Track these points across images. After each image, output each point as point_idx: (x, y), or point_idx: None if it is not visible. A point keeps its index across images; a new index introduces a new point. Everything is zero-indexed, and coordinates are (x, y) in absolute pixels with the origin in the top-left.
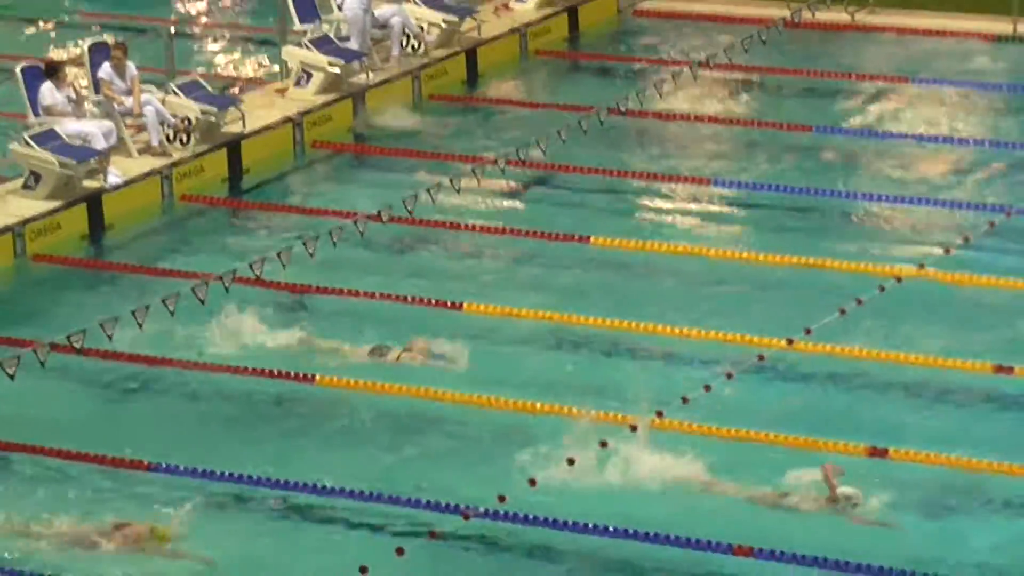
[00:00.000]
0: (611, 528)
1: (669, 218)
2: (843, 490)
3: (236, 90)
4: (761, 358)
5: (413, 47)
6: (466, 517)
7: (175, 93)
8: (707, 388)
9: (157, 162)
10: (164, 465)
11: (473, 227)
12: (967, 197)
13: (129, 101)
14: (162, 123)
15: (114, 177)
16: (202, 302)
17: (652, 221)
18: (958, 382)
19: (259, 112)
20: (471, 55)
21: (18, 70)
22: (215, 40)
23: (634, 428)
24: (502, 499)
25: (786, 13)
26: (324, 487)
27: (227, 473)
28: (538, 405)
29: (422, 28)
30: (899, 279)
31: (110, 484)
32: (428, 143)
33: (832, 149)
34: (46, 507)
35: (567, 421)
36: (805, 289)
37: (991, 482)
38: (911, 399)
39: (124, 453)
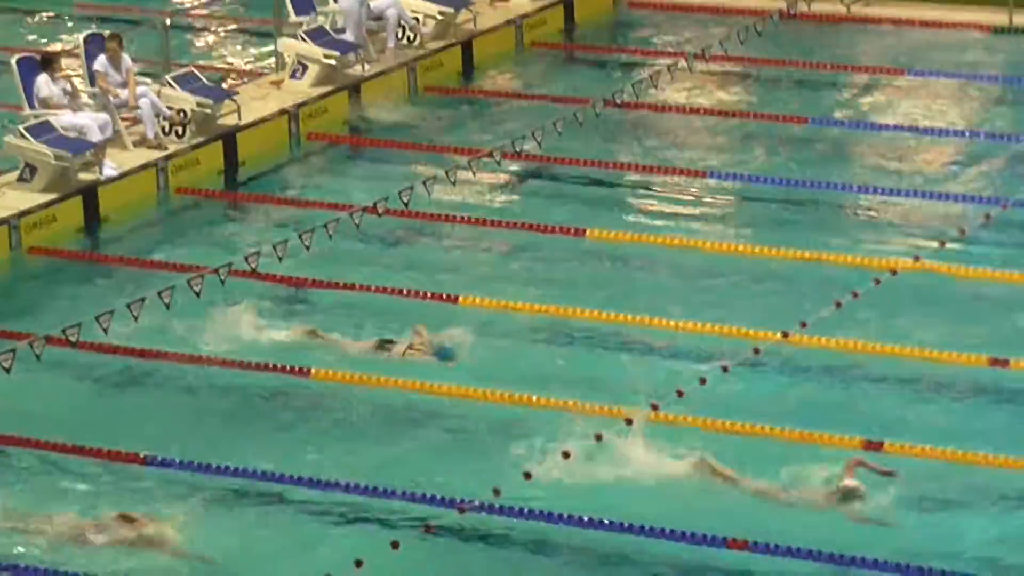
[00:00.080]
0: (606, 521)
1: (665, 211)
2: (848, 483)
3: (232, 82)
4: (757, 351)
5: (409, 39)
6: (461, 510)
7: (171, 85)
8: (702, 381)
9: (152, 154)
10: (160, 459)
11: (468, 220)
12: (963, 189)
13: (124, 93)
14: (157, 115)
15: (109, 169)
16: (197, 295)
17: (648, 214)
18: (953, 375)
19: (255, 104)
20: (467, 47)
21: (14, 62)
22: (211, 32)
23: (629, 421)
24: (497, 492)
25: (782, 4)
26: (320, 481)
27: (223, 467)
28: (533, 398)
29: (417, 20)
30: (895, 272)
31: (106, 478)
32: (424, 135)
33: (828, 141)
34: (42, 501)
35: (562, 414)
36: (801, 282)
37: (987, 475)
38: (906, 392)
39: (120, 447)
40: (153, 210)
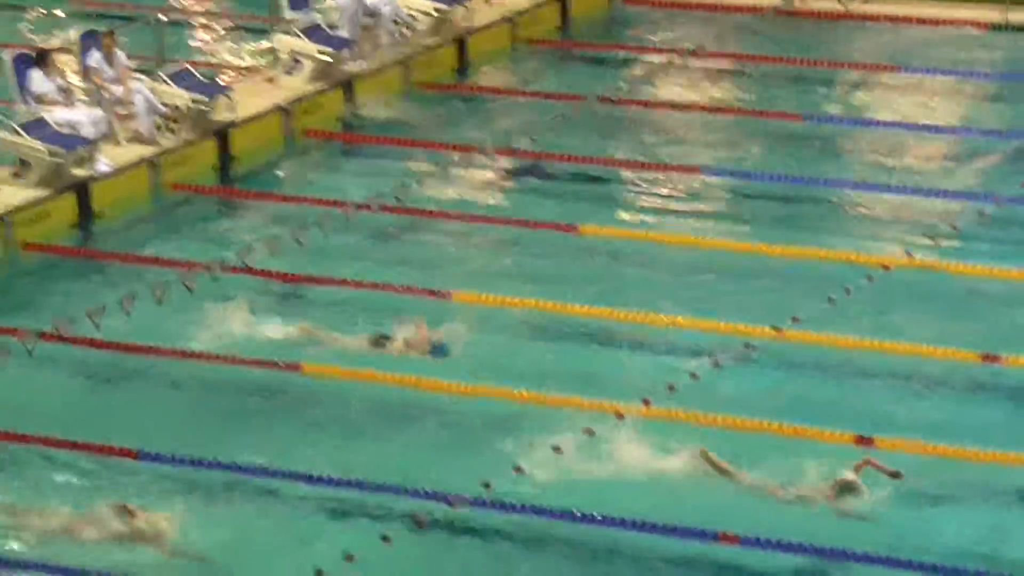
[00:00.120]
0: (597, 516)
1: (658, 207)
2: (848, 476)
3: (226, 78)
4: (749, 347)
5: (403, 35)
6: (452, 505)
7: (165, 81)
8: (694, 377)
9: (146, 150)
10: (152, 454)
11: (462, 216)
12: (956, 186)
13: (119, 89)
14: (152, 111)
15: (103, 165)
16: (190, 291)
17: (641, 210)
18: (945, 371)
19: (249, 100)
20: (461, 44)
21: (8, 58)
22: (205, 28)
23: (621, 416)
24: (488, 487)
25: (778, 1)
26: (311, 475)
27: (214, 461)
28: (524, 393)
29: (412, 16)
30: (887, 268)
31: (98, 473)
32: (418, 132)
33: (822, 138)
34: (34, 495)
35: (553, 409)
36: (793, 277)
37: (978, 470)
38: (898, 387)
39: (112, 442)
40: (147, 206)
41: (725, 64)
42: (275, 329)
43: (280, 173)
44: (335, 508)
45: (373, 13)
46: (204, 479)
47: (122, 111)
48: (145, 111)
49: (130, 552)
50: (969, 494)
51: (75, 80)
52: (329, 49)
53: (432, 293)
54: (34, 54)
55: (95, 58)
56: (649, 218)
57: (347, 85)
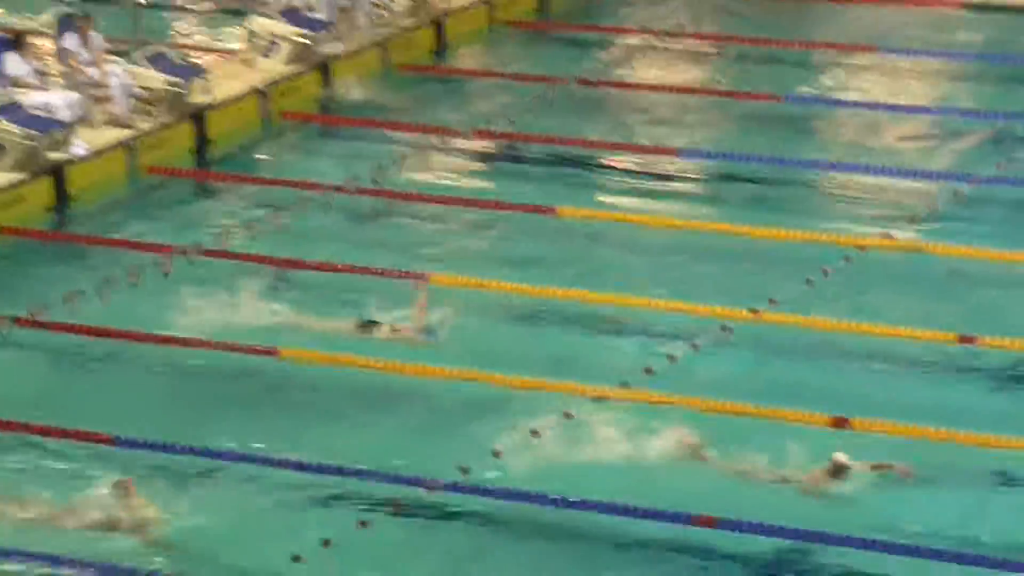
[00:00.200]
0: (573, 500)
1: (635, 188)
2: (839, 457)
3: (202, 61)
4: (726, 329)
5: (381, 17)
6: (429, 489)
7: (141, 64)
8: (672, 359)
9: (122, 133)
10: (129, 439)
11: (440, 198)
12: (934, 166)
13: (95, 72)
14: (127, 94)
15: (79, 149)
16: (167, 275)
17: (618, 191)
18: (922, 352)
19: (226, 83)
20: (439, 25)
21: None
22: (182, 10)
23: (599, 399)
24: (465, 472)
25: None
26: (288, 461)
27: (191, 447)
28: (502, 377)
29: None
30: (864, 249)
31: (75, 459)
32: (395, 114)
33: (800, 119)
34: (11, 483)
35: (532, 392)
36: (770, 259)
37: (955, 451)
38: (875, 369)
39: (88, 427)
40: (123, 189)
41: (703, 45)
42: (252, 313)
43: (257, 156)
44: (312, 494)
45: None
46: (181, 465)
47: (98, 94)
48: (121, 94)
49: (107, 539)
50: (946, 475)
51: (51, 63)
52: (306, 31)
53: (409, 276)
54: (10, 37)
55: (71, 41)
56: (627, 200)
57: (324, 67)
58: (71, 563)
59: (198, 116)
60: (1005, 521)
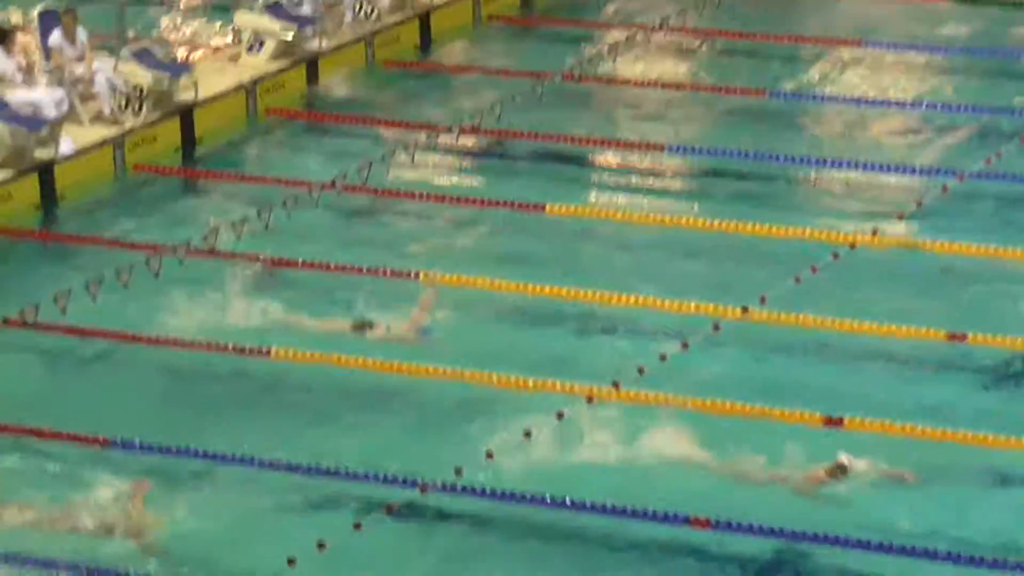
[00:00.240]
0: (567, 500)
1: (623, 185)
2: (842, 459)
3: (188, 57)
4: (717, 327)
5: (366, 13)
6: (423, 490)
7: (127, 61)
8: (663, 358)
9: (109, 131)
10: (121, 441)
11: (426, 195)
12: (922, 162)
13: (80, 69)
14: (113, 91)
15: (66, 146)
16: (156, 274)
17: (607, 188)
18: (912, 349)
19: (212, 79)
20: (424, 20)
21: None
22: (167, 6)
23: (591, 399)
24: (459, 472)
25: None
26: (282, 463)
27: (184, 449)
28: (493, 377)
29: None
30: (853, 245)
31: (66, 461)
32: (381, 110)
33: (788, 114)
34: (2, 485)
35: (523, 392)
36: (760, 256)
37: (946, 450)
38: (866, 367)
39: (78, 429)
40: (110, 187)
41: (689, 40)
42: (240, 312)
43: (243, 152)
44: (306, 496)
45: None
46: (173, 467)
47: (84, 91)
48: (107, 91)
49: (100, 543)
50: (939, 475)
51: (36, 60)
52: (292, 27)
53: (398, 274)
54: None
55: (56, 37)
56: (615, 197)
57: (310, 63)
58: (65, 567)
59: (184, 113)
60: (998, 520)
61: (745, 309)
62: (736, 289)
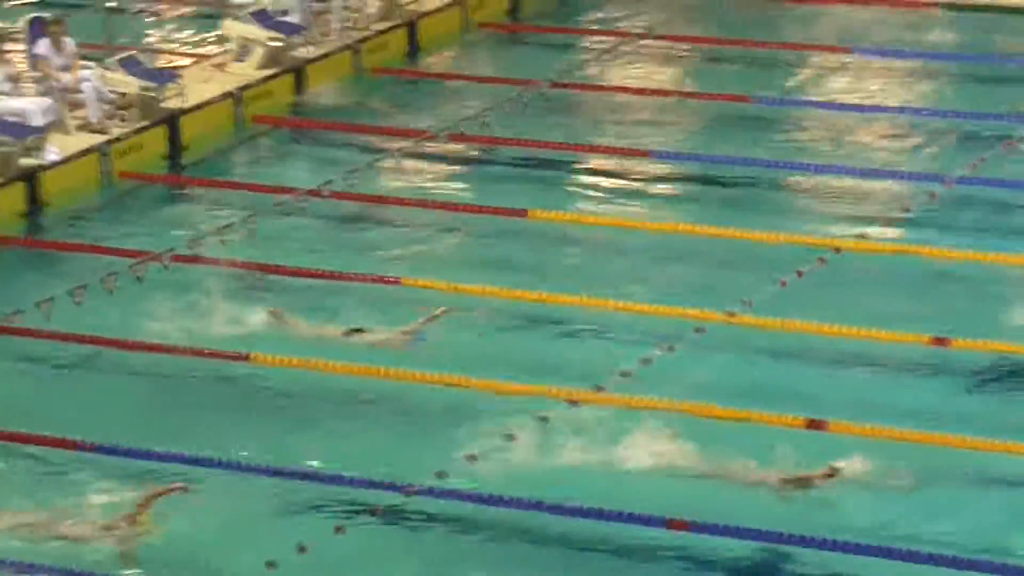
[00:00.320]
0: (548, 504)
1: (608, 191)
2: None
3: (175, 65)
4: (700, 331)
5: (354, 20)
6: (406, 494)
7: (114, 69)
8: (646, 362)
9: (95, 139)
10: (103, 446)
11: (413, 201)
12: (907, 167)
13: (67, 77)
14: (100, 99)
15: (52, 154)
16: (140, 281)
17: (591, 194)
18: (896, 354)
19: (198, 87)
20: (412, 28)
21: None
22: (154, 15)
23: (574, 403)
24: (442, 476)
25: None
26: (264, 467)
27: (166, 453)
28: (476, 381)
29: (363, 0)
30: (838, 250)
31: (49, 466)
32: (368, 117)
33: (773, 120)
34: None
35: (506, 397)
36: (745, 261)
37: (931, 453)
38: (851, 370)
39: (63, 434)
40: (96, 195)
41: (675, 47)
42: (226, 318)
43: (230, 160)
44: (288, 499)
45: None
46: (156, 472)
47: (71, 99)
48: (94, 99)
49: (84, 547)
50: (923, 478)
51: (23, 68)
52: (279, 34)
53: (382, 280)
54: None
55: (43, 46)
56: (599, 203)
57: (297, 71)
58: (47, 571)
59: (171, 121)
60: (982, 522)
61: (730, 313)
62: (721, 293)
